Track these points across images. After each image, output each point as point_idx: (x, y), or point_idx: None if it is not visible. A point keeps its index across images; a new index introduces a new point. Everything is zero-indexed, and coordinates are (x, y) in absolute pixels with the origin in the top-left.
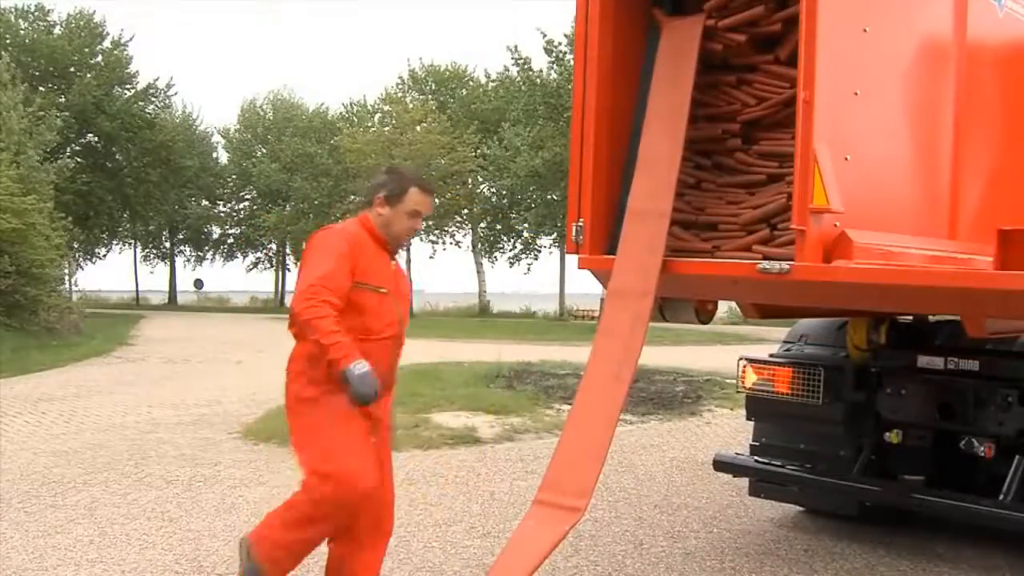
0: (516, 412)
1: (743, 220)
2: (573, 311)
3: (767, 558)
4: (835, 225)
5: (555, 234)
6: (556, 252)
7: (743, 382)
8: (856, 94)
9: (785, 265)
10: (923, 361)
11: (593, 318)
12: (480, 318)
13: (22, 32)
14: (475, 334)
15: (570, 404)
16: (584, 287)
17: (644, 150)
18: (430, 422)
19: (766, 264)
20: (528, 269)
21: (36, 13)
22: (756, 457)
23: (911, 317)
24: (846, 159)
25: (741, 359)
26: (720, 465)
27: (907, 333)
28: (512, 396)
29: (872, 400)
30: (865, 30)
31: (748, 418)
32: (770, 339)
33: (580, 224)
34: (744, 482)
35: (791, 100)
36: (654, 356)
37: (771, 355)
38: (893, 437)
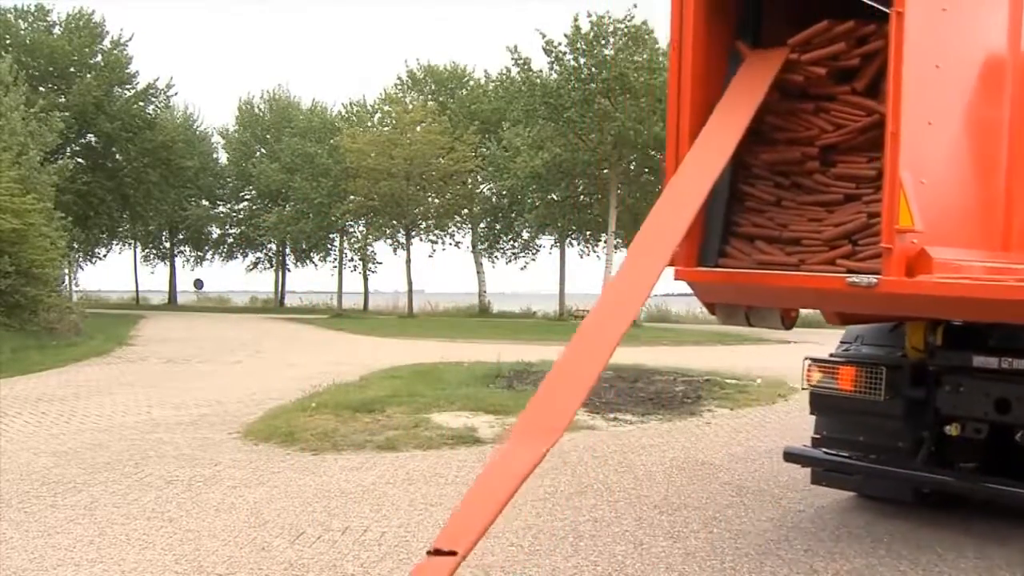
0: (516, 412)
1: (826, 236)
2: (573, 311)
3: (767, 558)
4: (913, 242)
5: (555, 235)
6: (556, 252)
7: (808, 380)
8: (929, 124)
9: (873, 279)
10: (978, 361)
11: None
12: (480, 318)
13: (22, 32)
14: (475, 334)
15: None
16: (584, 287)
17: (690, 161)
18: (430, 422)
19: (855, 278)
20: (525, 266)
21: (36, 13)
22: (824, 449)
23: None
24: (922, 183)
25: (806, 359)
26: (791, 457)
27: (961, 335)
28: (512, 396)
29: (931, 396)
30: (937, 66)
31: (811, 413)
32: (770, 339)
33: None
34: (744, 481)
35: (867, 127)
36: (654, 356)
37: (831, 355)
38: (952, 430)
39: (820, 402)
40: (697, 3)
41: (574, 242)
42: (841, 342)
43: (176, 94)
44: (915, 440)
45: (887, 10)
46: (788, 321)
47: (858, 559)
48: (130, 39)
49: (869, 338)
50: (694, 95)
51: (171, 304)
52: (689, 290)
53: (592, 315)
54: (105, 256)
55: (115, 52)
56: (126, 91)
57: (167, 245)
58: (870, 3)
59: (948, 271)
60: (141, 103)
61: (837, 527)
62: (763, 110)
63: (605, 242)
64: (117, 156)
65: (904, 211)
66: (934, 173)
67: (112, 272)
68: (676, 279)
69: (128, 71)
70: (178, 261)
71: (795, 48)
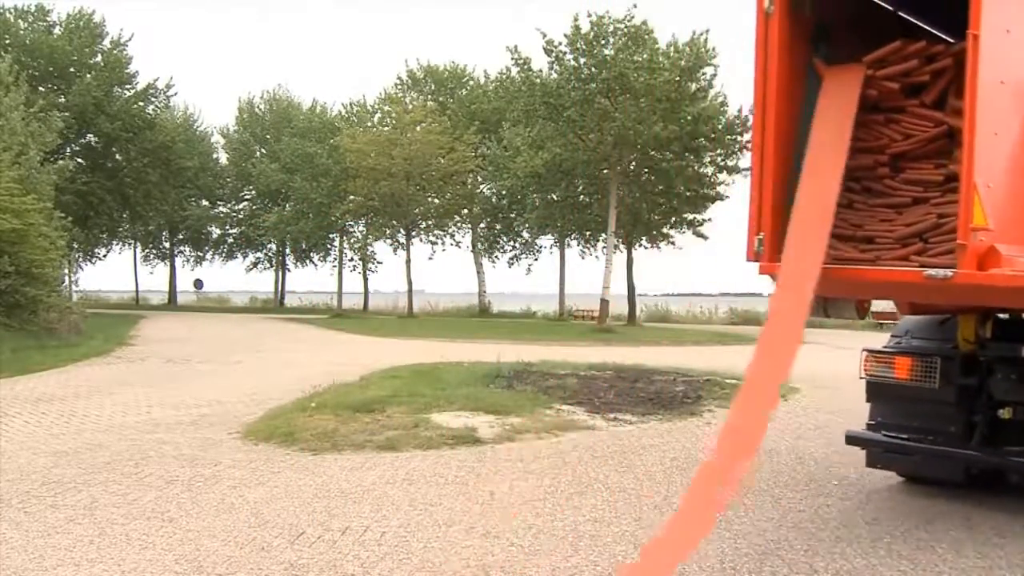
0: (516, 412)
1: (898, 235)
2: (573, 311)
3: (767, 558)
4: (982, 240)
5: (555, 235)
6: (556, 252)
7: (865, 370)
8: (995, 134)
9: (949, 272)
10: None
11: (593, 318)
12: (480, 318)
13: (22, 32)
14: (475, 334)
15: (570, 404)
16: (584, 287)
17: (808, 179)
18: (430, 422)
19: (933, 272)
20: (529, 268)
21: (36, 13)
22: (884, 432)
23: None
24: (989, 187)
25: (864, 350)
26: (852, 440)
27: (1010, 328)
28: (512, 396)
29: (983, 384)
30: (1002, 82)
31: (867, 400)
32: None
33: (760, 237)
34: (743, 481)
35: (934, 137)
36: (654, 356)
37: (884, 347)
38: (1006, 414)
39: (876, 390)
40: (780, 28)
41: (573, 242)
42: (892, 336)
43: (176, 94)
44: (966, 425)
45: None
46: (862, 312)
47: (858, 559)
48: (130, 39)
49: (918, 331)
50: (778, 110)
51: (171, 304)
52: (690, 291)
53: (766, 332)
54: (105, 256)
55: (115, 52)
56: (126, 91)
57: (167, 245)
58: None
59: (1011, 264)
60: (141, 103)
61: (837, 527)
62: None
63: (605, 242)
64: (117, 156)
65: (978, 212)
66: (999, 178)
67: (112, 272)
68: (761, 273)
69: (128, 71)
70: (178, 261)
71: (870, 65)
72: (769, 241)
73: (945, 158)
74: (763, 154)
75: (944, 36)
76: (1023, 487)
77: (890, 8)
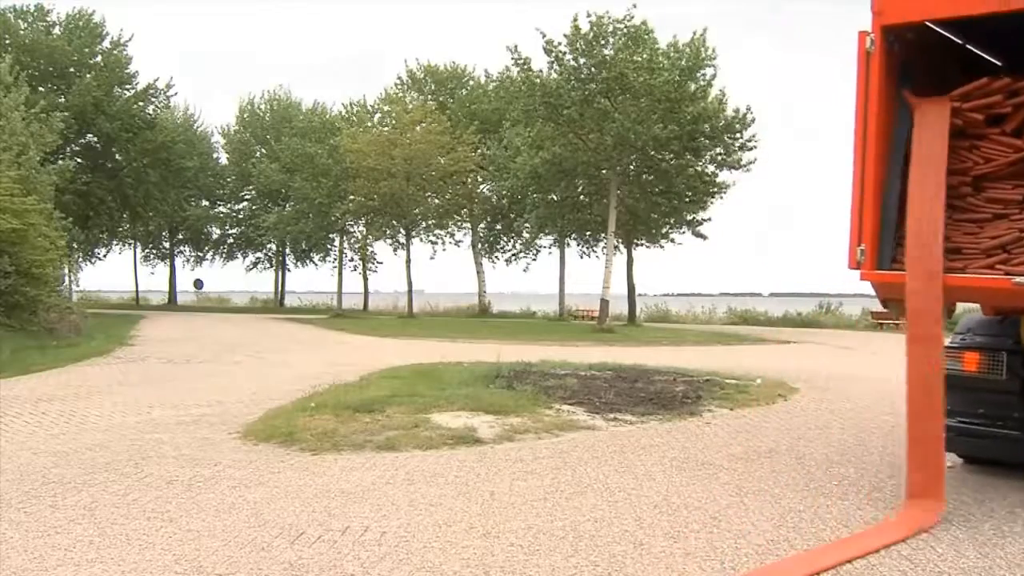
0: (516, 412)
1: (984, 247)
2: (573, 311)
3: (767, 559)
4: None
5: (555, 235)
6: (556, 252)
7: None
8: None
9: None
10: None
11: (592, 318)
12: (480, 318)
13: (22, 32)
14: (475, 334)
15: (570, 404)
16: (584, 288)
17: (915, 204)
18: (430, 422)
19: (1021, 279)
20: (527, 267)
21: (35, 13)
22: (965, 420)
23: None
24: None
25: None
26: None
27: None
28: (512, 396)
29: None
30: None
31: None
32: (770, 340)
33: (862, 248)
34: (744, 481)
35: (1014, 161)
36: (654, 356)
37: (950, 344)
38: None
39: (953, 383)
40: (878, 65)
41: (573, 242)
42: (955, 333)
43: (176, 94)
44: None
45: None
46: (948, 313)
47: (858, 559)
48: (130, 39)
49: (980, 329)
50: (876, 134)
51: (171, 304)
52: (690, 291)
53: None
54: (105, 256)
55: (115, 52)
56: (126, 91)
57: (167, 245)
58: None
59: None
60: (141, 103)
61: (837, 527)
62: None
63: (605, 242)
64: (117, 156)
65: None
66: None
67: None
68: (862, 279)
69: (128, 71)
70: (178, 261)
71: (958, 98)
72: (870, 252)
73: (1022, 180)
74: (864, 173)
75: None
76: None
77: (973, 49)
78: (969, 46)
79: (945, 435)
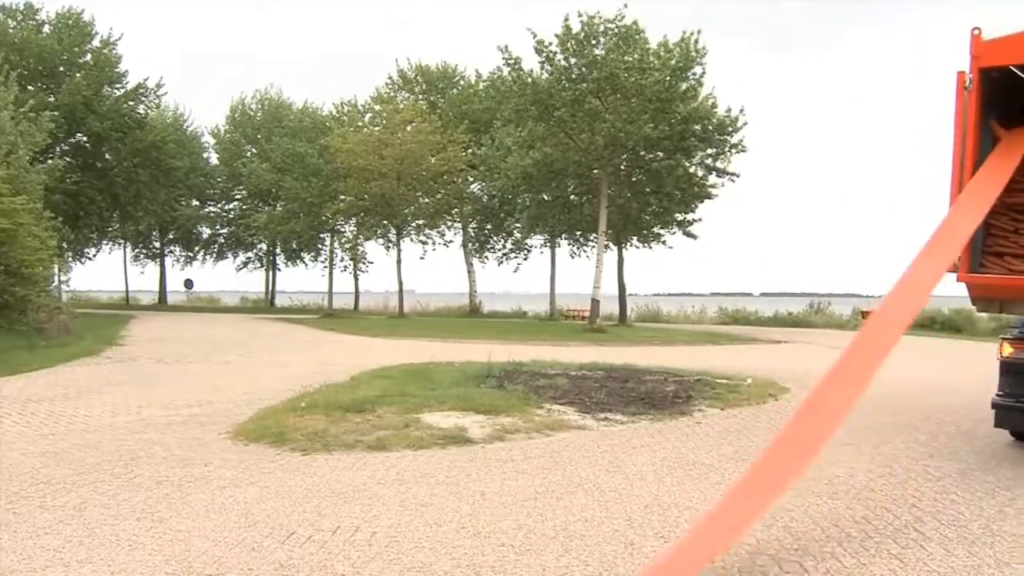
0: (506, 412)
1: None
2: (564, 311)
3: (757, 556)
4: None
5: (546, 234)
6: (547, 252)
7: (1001, 352)
8: None
9: None
10: None
11: (583, 318)
12: (471, 318)
13: (11, 31)
14: (466, 334)
15: (561, 404)
16: (575, 287)
17: (961, 205)
18: (421, 422)
19: None
20: (517, 268)
21: (25, 12)
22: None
23: None
24: None
25: (1001, 337)
26: (995, 406)
27: None
28: (503, 396)
29: None
30: None
31: (1001, 376)
32: (761, 340)
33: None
34: (734, 481)
35: None
36: (645, 356)
37: (1016, 336)
38: None
39: (1011, 368)
40: (973, 103)
41: (564, 242)
42: (1010, 327)
43: (166, 93)
44: None
45: None
46: None
47: (848, 558)
48: (119, 38)
49: None
50: (971, 157)
51: (161, 304)
52: (681, 291)
53: (884, 305)
54: (95, 256)
55: (104, 51)
56: (116, 90)
57: (157, 245)
58: None
59: None
60: (131, 103)
61: (827, 526)
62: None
63: (595, 242)
64: (107, 156)
65: None
66: None
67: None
68: (959, 281)
69: (118, 70)
70: (168, 261)
71: None
72: (965, 258)
73: None
74: (960, 189)
75: None
76: None
77: None
78: None
79: (996, 413)
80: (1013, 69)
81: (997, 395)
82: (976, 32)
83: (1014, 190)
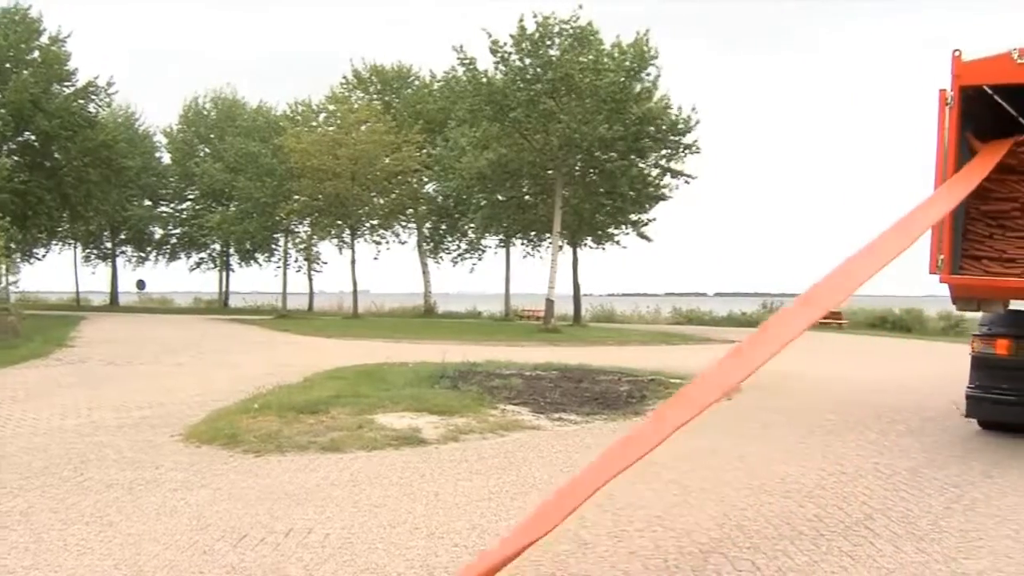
0: (461, 413)
1: None
2: (518, 312)
3: (711, 556)
4: None
5: (501, 235)
6: (501, 252)
7: (972, 348)
8: None
9: None
10: None
11: (538, 318)
12: (425, 318)
13: None
14: (420, 334)
15: (515, 404)
16: (529, 288)
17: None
18: (374, 423)
19: None
20: (472, 268)
21: None
22: (996, 393)
23: None
24: None
25: (972, 334)
26: (969, 398)
27: None
28: (457, 397)
29: None
30: None
31: (971, 370)
32: (715, 339)
33: (941, 257)
34: (688, 480)
35: None
36: (599, 356)
37: (983, 333)
38: None
39: (980, 363)
40: (954, 118)
41: (518, 242)
42: (980, 325)
43: (117, 92)
44: None
45: None
46: (1004, 307)
47: (800, 556)
48: (68, 35)
49: (998, 322)
50: (951, 167)
51: (113, 305)
52: (636, 291)
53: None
54: (44, 256)
55: (53, 48)
56: (65, 88)
57: (108, 245)
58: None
59: None
60: (81, 101)
61: (780, 525)
62: (984, 180)
63: (550, 242)
64: (56, 155)
65: None
66: None
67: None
68: (941, 282)
69: (67, 68)
70: (120, 261)
71: (1018, 144)
72: (947, 261)
73: None
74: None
75: None
76: None
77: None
78: (1004, 104)
79: (968, 404)
80: (986, 89)
81: (968, 387)
82: (957, 53)
83: (989, 199)
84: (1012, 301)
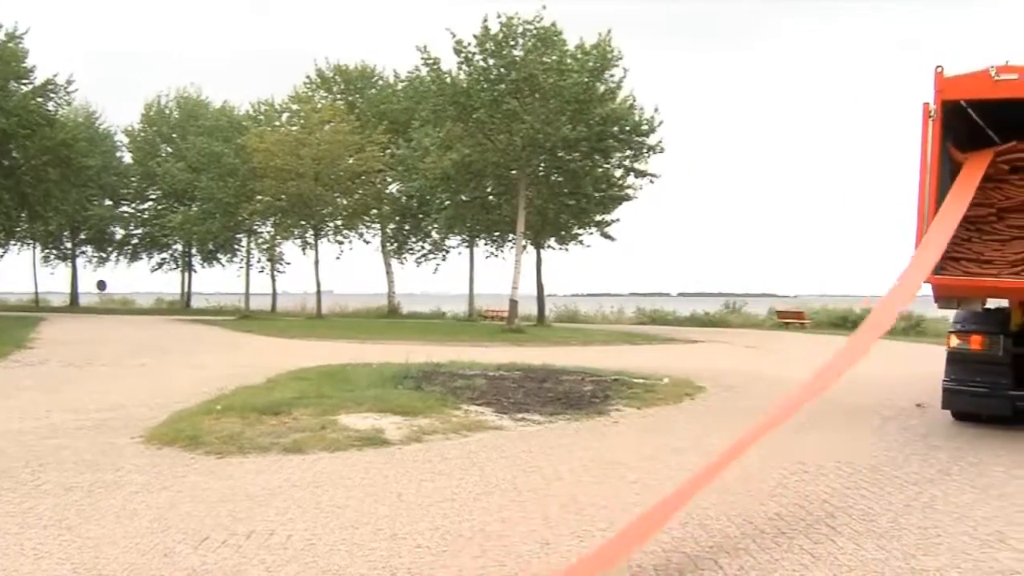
0: (424, 413)
1: (1009, 259)
2: (482, 312)
3: (673, 555)
4: None
5: (464, 235)
6: (465, 253)
7: (948, 344)
8: None
9: None
10: None
11: (502, 319)
12: (389, 319)
13: None
14: (384, 335)
15: (479, 405)
16: (493, 288)
17: (937, 221)
18: (337, 424)
19: None
20: (436, 269)
21: None
22: (970, 386)
23: None
24: None
25: (948, 331)
26: (945, 391)
27: None
28: (420, 397)
29: None
30: None
31: (947, 365)
32: (679, 340)
33: None
34: (650, 480)
35: None
36: (562, 357)
37: (959, 330)
38: None
39: (956, 357)
40: (936, 130)
41: (482, 243)
42: (954, 322)
43: (77, 90)
44: (1017, 379)
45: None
46: (982, 305)
47: (761, 554)
48: (26, 32)
49: (971, 319)
50: (934, 176)
51: (73, 306)
52: (600, 291)
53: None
54: (2, 257)
55: (10, 45)
56: (23, 86)
57: (68, 246)
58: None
59: None
60: (39, 99)
61: (742, 523)
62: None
63: (514, 243)
64: (14, 154)
65: None
66: None
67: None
68: (925, 282)
69: (24, 65)
70: (80, 262)
71: (997, 154)
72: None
73: None
74: (926, 204)
75: None
76: None
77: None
78: (976, 118)
79: (944, 396)
80: (963, 103)
81: (944, 380)
82: (939, 70)
83: (973, 205)
84: (988, 299)
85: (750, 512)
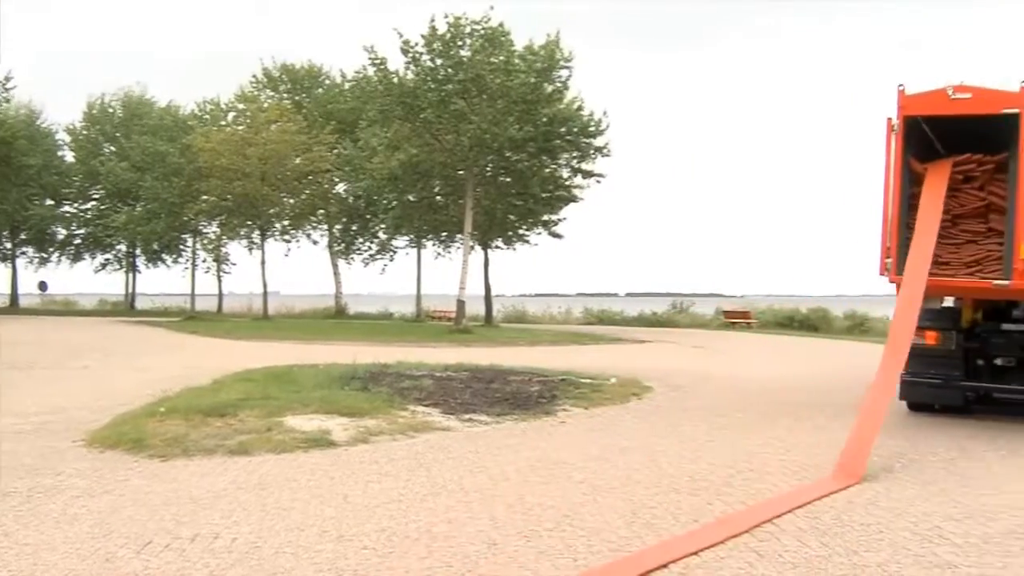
0: (371, 414)
1: (964, 261)
2: (430, 312)
3: (620, 555)
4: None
5: (412, 236)
6: (413, 253)
7: None
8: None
9: (1006, 282)
10: (1006, 326)
11: (449, 319)
12: (336, 320)
13: None
14: (331, 336)
15: (426, 405)
16: (441, 288)
17: (920, 229)
18: (283, 425)
19: (998, 281)
20: (384, 269)
21: None
22: (926, 378)
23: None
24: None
25: None
26: (904, 382)
27: (994, 311)
28: (367, 398)
29: (983, 346)
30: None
31: (907, 359)
32: (626, 340)
33: (889, 260)
34: (597, 480)
35: (979, 207)
36: (510, 357)
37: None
38: (999, 363)
39: (913, 352)
40: (899, 138)
41: (429, 243)
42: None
43: (15, 87)
44: (968, 372)
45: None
46: (940, 302)
47: (707, 552)
48: None
49: (928, 316)
50: (896, 184)
51: (13, 307)
52: (547, 291)
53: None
54: None
55: None
56: None
57: (8, 246)
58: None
59: None
60: None
61: (688, 523)
62: (916, 196)
63: (461, 243)
64: None
65: (1021, 249)
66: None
67: None
68: (890, 282)
69: None
70: (20, 262)
71: (954, 165)
72: (894, 263)
73: (983, 219)
74: (890, 210)
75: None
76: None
77: (938, 144)
78: (927, 131)
79: (902, 388)
80: (919, 119)
81: (903, 374)
82: (901, 88)
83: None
84: (945, 298)
85: (696, 511)
